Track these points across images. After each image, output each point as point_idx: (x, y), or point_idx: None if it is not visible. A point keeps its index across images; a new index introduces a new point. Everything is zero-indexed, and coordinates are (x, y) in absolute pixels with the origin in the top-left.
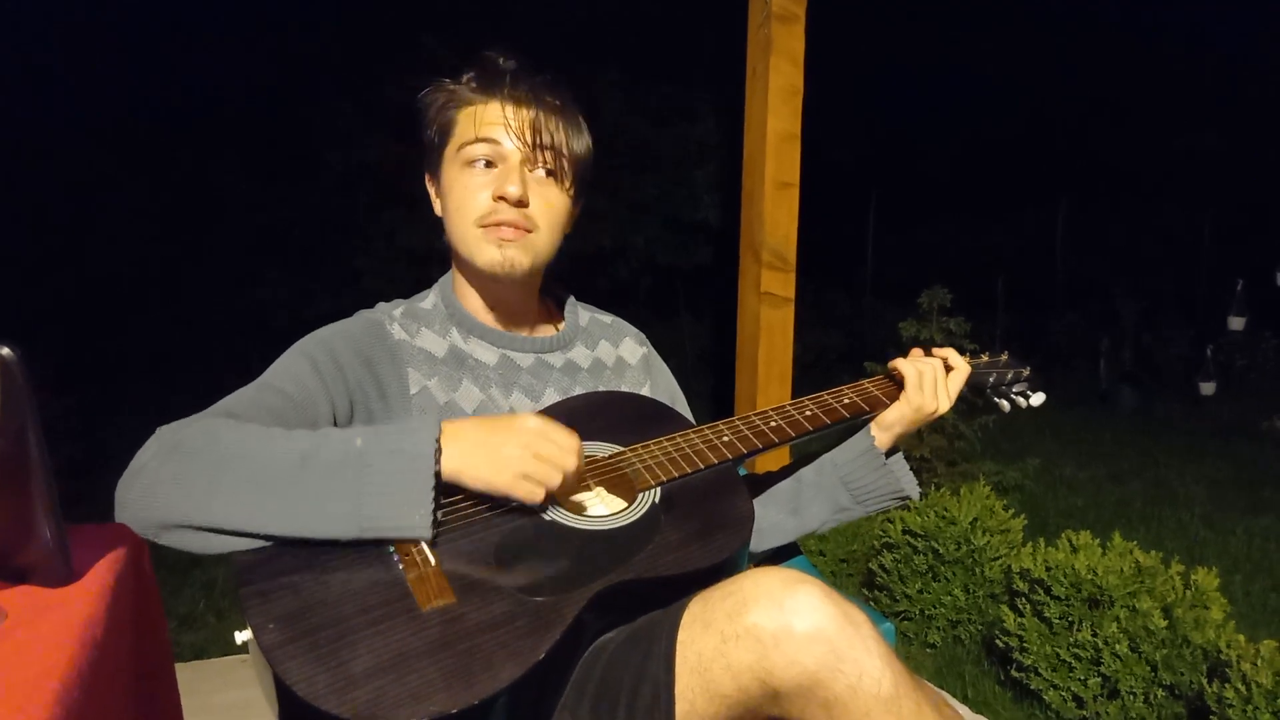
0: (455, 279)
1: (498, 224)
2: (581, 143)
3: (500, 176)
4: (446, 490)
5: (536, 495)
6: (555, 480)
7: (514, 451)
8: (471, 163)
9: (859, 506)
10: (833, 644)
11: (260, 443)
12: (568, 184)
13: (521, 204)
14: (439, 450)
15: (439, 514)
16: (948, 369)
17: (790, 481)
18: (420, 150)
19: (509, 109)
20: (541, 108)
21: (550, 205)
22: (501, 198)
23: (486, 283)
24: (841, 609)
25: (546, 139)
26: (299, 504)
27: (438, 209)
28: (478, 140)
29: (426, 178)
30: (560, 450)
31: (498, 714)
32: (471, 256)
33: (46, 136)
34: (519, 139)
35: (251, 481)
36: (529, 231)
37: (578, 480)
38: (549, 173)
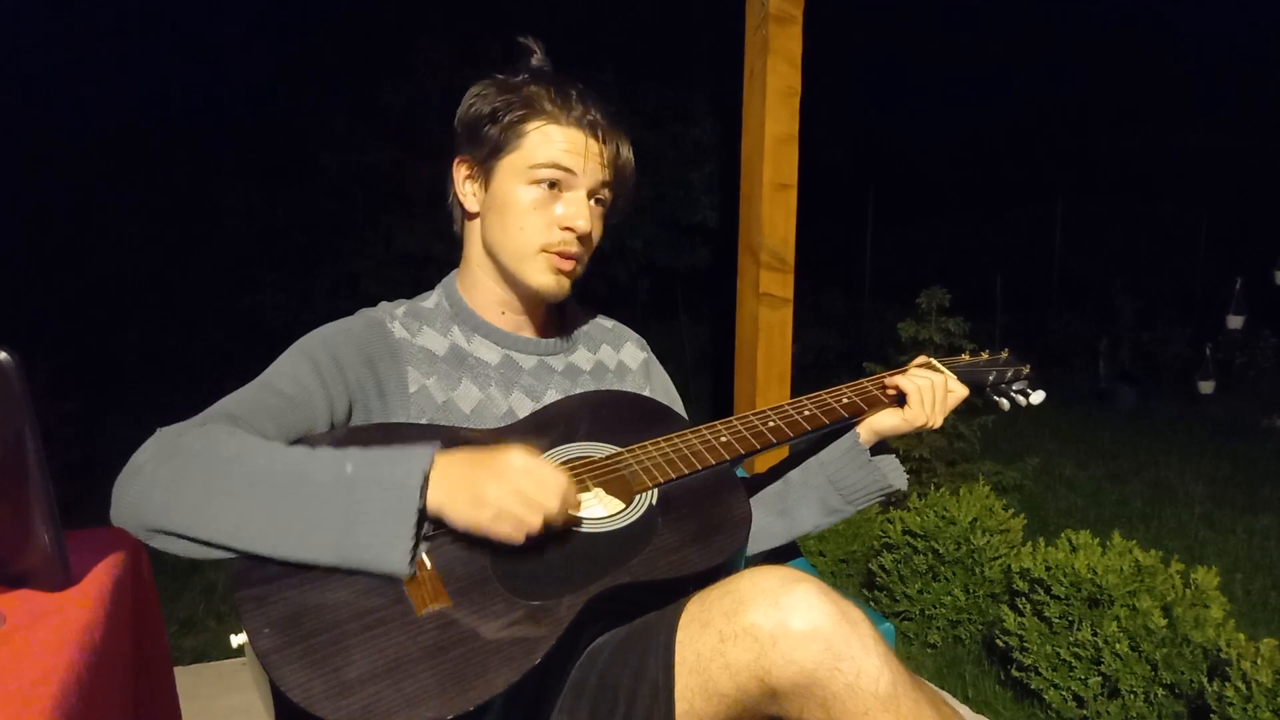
0: (464, 277)
1: (562, 254)
2: (631, 164)
3: (570, 207)
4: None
5: (516, 536)
6: (536, 521)
7: (496, 491)
8: (539, 182)
9: (849, 506)
10: (830, 642)
11: (256, 459)
12: (609, 212)
13: (587, 237)
14: (426, 485)
15: (421, 548)
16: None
17: (777, 483)
18: (446, 137)
19: (584, 137)
20: (611, 141)
21: (596, 234)
22: (569, 228)
23: (518, 292)
24: (839, 607)
25: (606, 174)
26: (284, 525)
27: (468, 203)
28: (554, 166)
29: (458, 162)
30: (544, 490)
31: (493, 716)
32: (524, 277)
33: (44, 142)
34: (589, 175)
35: (242, 498)
36: (579, 261)
37: (563, 519)
38: (601, 202)
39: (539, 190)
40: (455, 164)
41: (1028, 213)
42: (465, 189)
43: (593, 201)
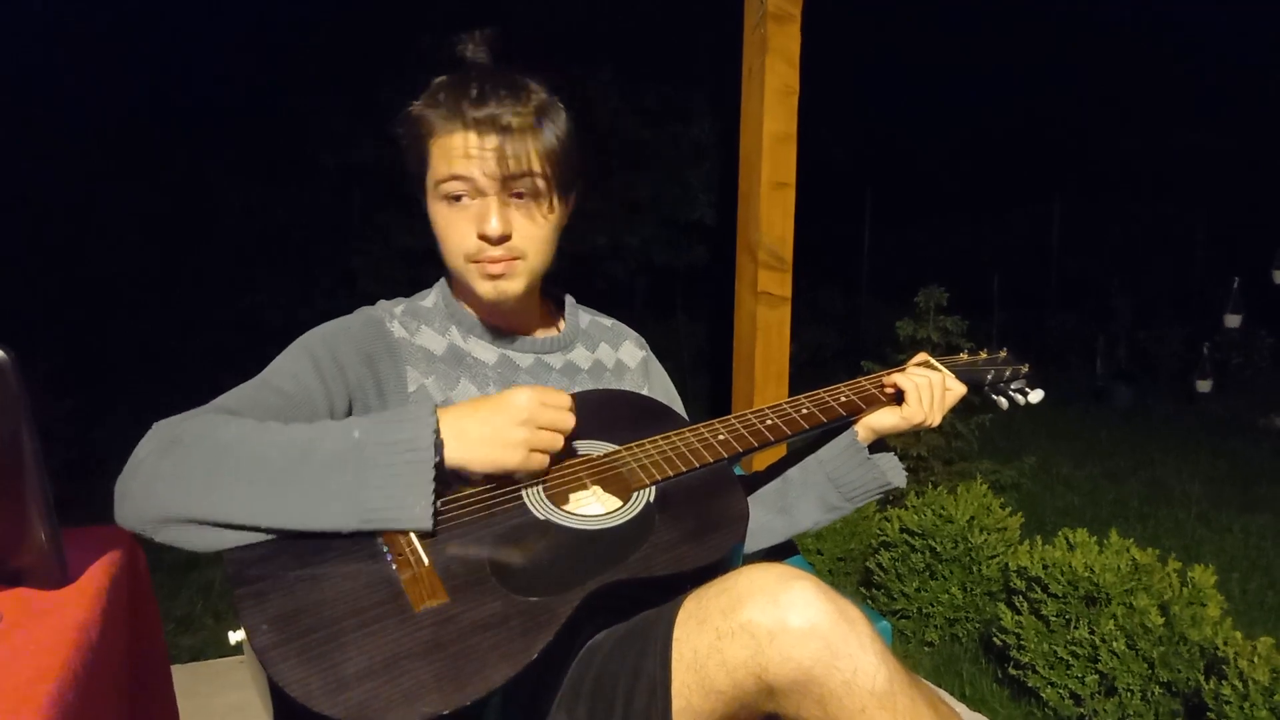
0: (455, 280)
1: (487, 260)
2: (556, 143)
3: (479, 213)
4: (439, 488)
5: (544, 463)
6: (559, 444)
7: (519, 434)
8: (448, 197)
9: (848, 503)
10: (827, 640)
11: (258, 436)
12: (549, 199)
13: (504, 239)
14: (439, 441)
15: (438, 504)
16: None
17: (777, 481)
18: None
19: (473, 139)
20: (505, 133)
21: (534, 227)
22: (483, 236)
23: (477, 302)
24: (836, 605)
25: (514, 166)
26: (298, 496)
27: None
28: (451, 178)
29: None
30: (557, 413)
31: (493, 712)
32: (471, 288)
33: (43, 141)
34: (488, 176)
35: (250, 474)
36: (518, 259)
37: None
38: (526, 195)
39: (454, 206)
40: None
41: (1026, 212)
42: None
43: (512, 197)
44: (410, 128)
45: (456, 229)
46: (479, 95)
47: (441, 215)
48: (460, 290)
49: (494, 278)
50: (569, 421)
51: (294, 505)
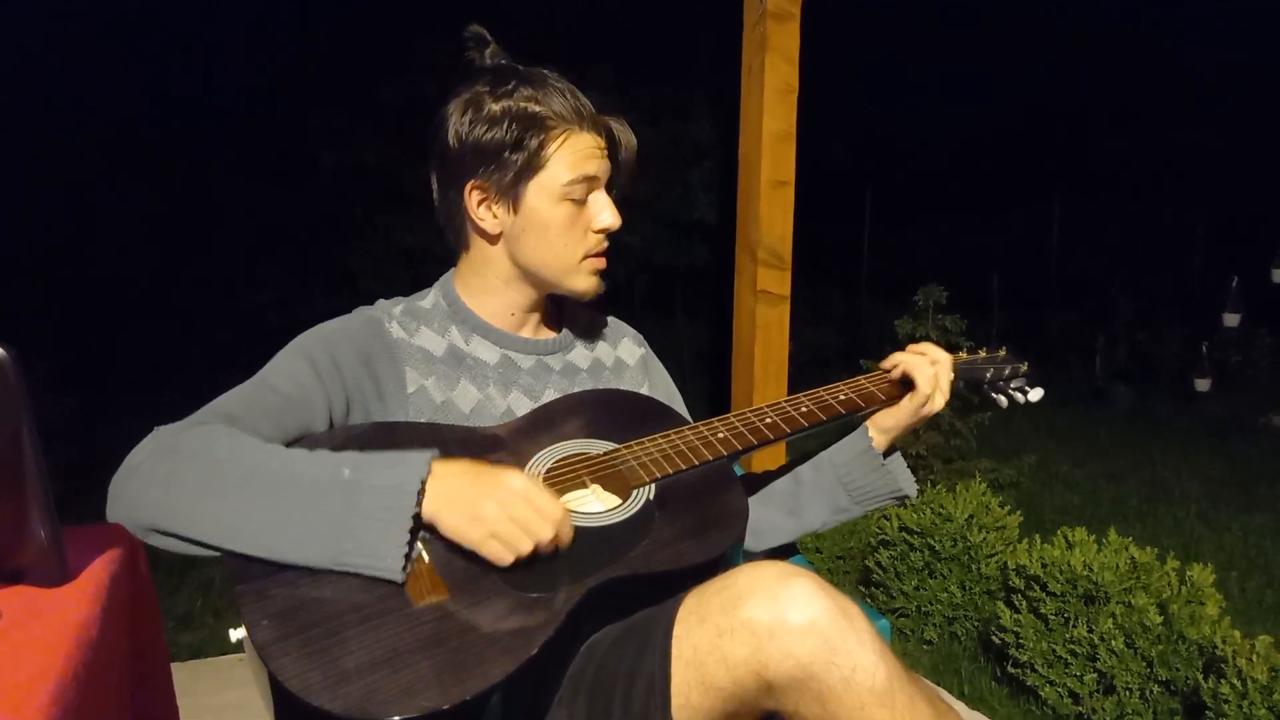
0: (469, 282)
1: (600, 255)
2: (636, 147)
3: (599, 210)
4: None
5: (504, 558)
6: (525, 547)
7: (491, 510)
8: (572, 197)
9: (857, 507)
10: (826, 637)
11: (252, 459)
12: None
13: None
14: (423, 491)
15: (413, 554)
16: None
17: (788, 481)
18: (443, 153)
19: (591, 139)
20: (620, 127)
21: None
22: (603, 230)
23: (553, 299)
24: (835, 602)
25: (624, 164)
26: (279, 528)
27: (488, 227)
28: (581, 180)
29: (470, 187)
30: (538, 517)
31: (494, 710)
32: (571, 287)
33: (44, 141)
34: (604, 174)
35: (237, 499)
36: None
37: (555, 550)
38: (611, 193)
39: (573, 205)
40: (467, 189)
41: (1025, 211)
42: (481, 212)
43: (612, 193)
44: (529, 126)
45: (580, 228)
46: (581, 98)
47: (564, 216)
48: (468, 289)
49: (600, 272)
50: (543, 531)
51: (273, 535)
